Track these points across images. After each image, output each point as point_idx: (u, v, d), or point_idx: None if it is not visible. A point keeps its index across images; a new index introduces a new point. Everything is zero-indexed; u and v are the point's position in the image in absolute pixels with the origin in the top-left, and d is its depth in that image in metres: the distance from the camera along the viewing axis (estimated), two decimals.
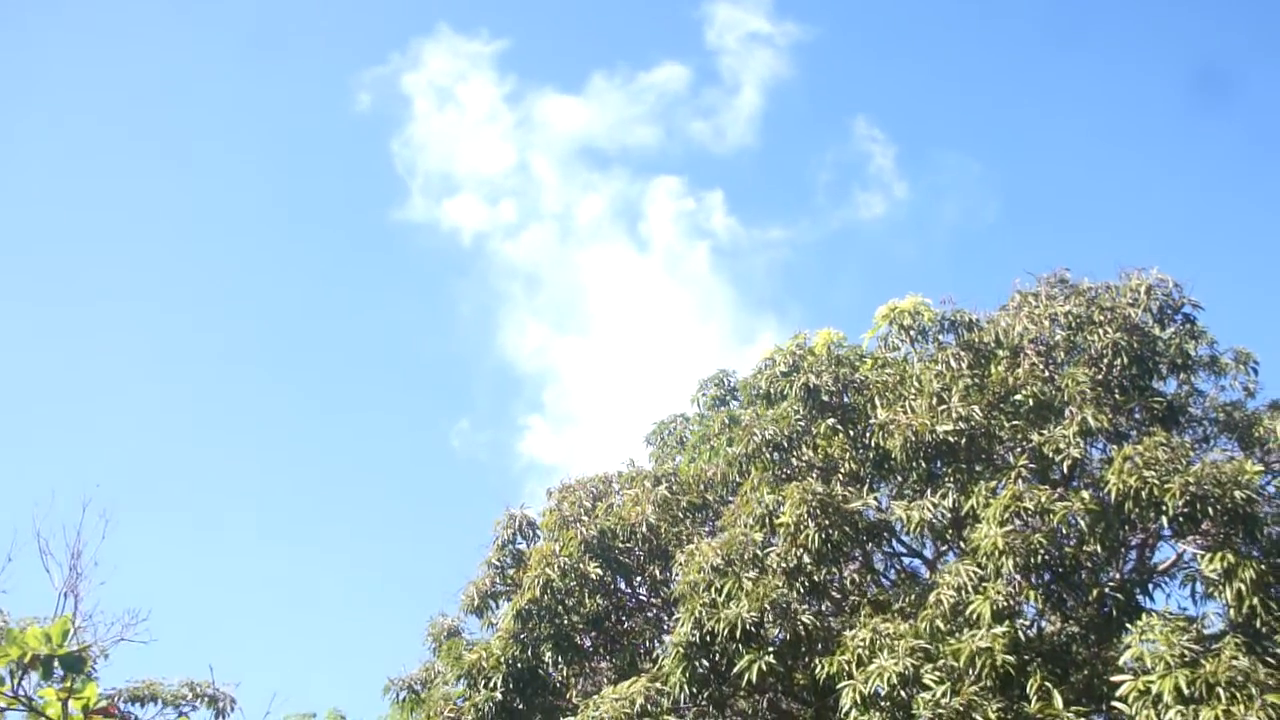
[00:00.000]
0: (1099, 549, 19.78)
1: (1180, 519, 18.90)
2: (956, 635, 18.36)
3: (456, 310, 70.70)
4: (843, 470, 22.26)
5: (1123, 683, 17.14)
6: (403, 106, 69.03)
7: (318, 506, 67.16)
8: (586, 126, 66.00)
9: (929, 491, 20.97)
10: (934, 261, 68.49)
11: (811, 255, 70.05)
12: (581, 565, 22.59)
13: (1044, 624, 20.57)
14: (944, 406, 21.13)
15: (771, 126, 67.23)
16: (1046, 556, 19.00)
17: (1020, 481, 20.01)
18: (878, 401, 22.17)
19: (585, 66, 79.53)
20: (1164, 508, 18.69)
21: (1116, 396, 21.59)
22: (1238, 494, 18.52)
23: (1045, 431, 20.72)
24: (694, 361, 65.20)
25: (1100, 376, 21.57)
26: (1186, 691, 16.32)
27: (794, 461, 22.63)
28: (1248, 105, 63.81)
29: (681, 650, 19.89)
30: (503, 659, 22.50)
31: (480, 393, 70.09)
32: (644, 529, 22.94)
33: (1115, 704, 17.19)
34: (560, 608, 22.67)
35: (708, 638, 19.67)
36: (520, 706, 22.64)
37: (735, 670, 19.55)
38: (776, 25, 64.19)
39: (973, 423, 20.86)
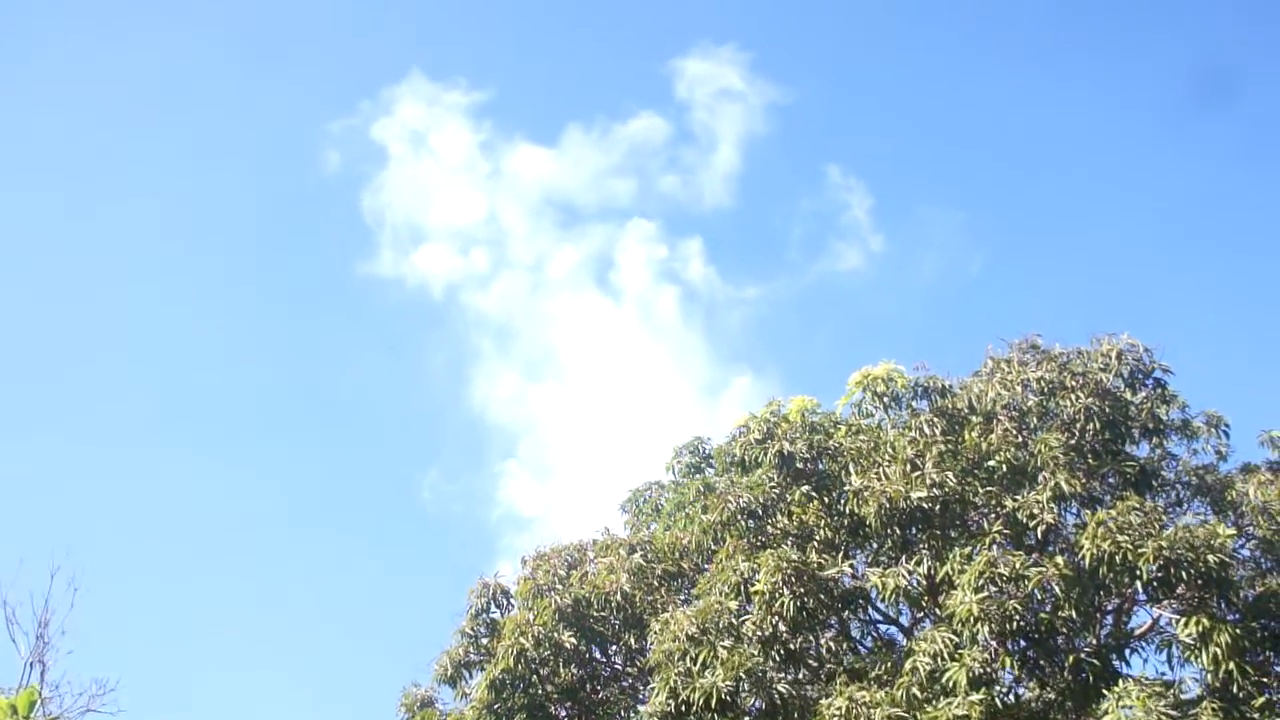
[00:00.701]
0: (1074, 614, 19.70)
1: (1155, 583, 18.99)
2: (933, 703, 18.29)
3: (427, 363, 69.82)
4: (818, 537, 22.19)
5: None
6: (374, 155, 68.76)
7: (286, 567, 65.65)
8: (560, 177, 66.07)
9: (904, 558, 20.97)
10: (912, 316, 68.18)
11: (787, 309, 69.31)
12: (556, 634, 22.43)
13: (1021, 690, 20.50)
14: (918, 473, 21.15)
15: (747, 177, 66.91)
16: (1022, 623, 19.01)
17: (995, 547, 20.03)
18: (852, 468, 22.16)
19: (560, 117, 77.61)
20: (1138, 572, 18.76)
21: (1089, 461, 21.67)
22: (1211, 558, 18.57)
23: (1019, 497, 20.76)
24: (667, 411, 64.69)
25: (1073, 441, 21.66)
26: None
27: (769, 529, 22.57)
28: (1248, 105, 63.97)
29: None
30: None
31: (452, 444, 68.76)
32: (619, 597, 22.79)
33: None
34: (535, 677, 22.51)
35: (683, 707, 19.50)
36: None
37: None
38: (750, 79, 64.42)
39: (947, 489, 20.87)
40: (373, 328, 71.07)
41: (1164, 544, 18.65)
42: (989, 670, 18.74)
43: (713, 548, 22.78)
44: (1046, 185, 68.25)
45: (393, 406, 70.75)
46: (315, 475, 69.17)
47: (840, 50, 71.42)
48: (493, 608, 24.61)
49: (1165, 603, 20.01)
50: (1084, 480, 20.88)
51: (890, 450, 22.09)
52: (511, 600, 24.53)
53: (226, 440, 68.26)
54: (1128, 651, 21.18)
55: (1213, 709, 17.11)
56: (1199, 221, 66.40)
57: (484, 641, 24.19)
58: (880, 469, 21.74)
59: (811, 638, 21.31)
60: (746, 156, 65.60)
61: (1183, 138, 66.32)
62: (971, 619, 18.77)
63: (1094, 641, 20.88)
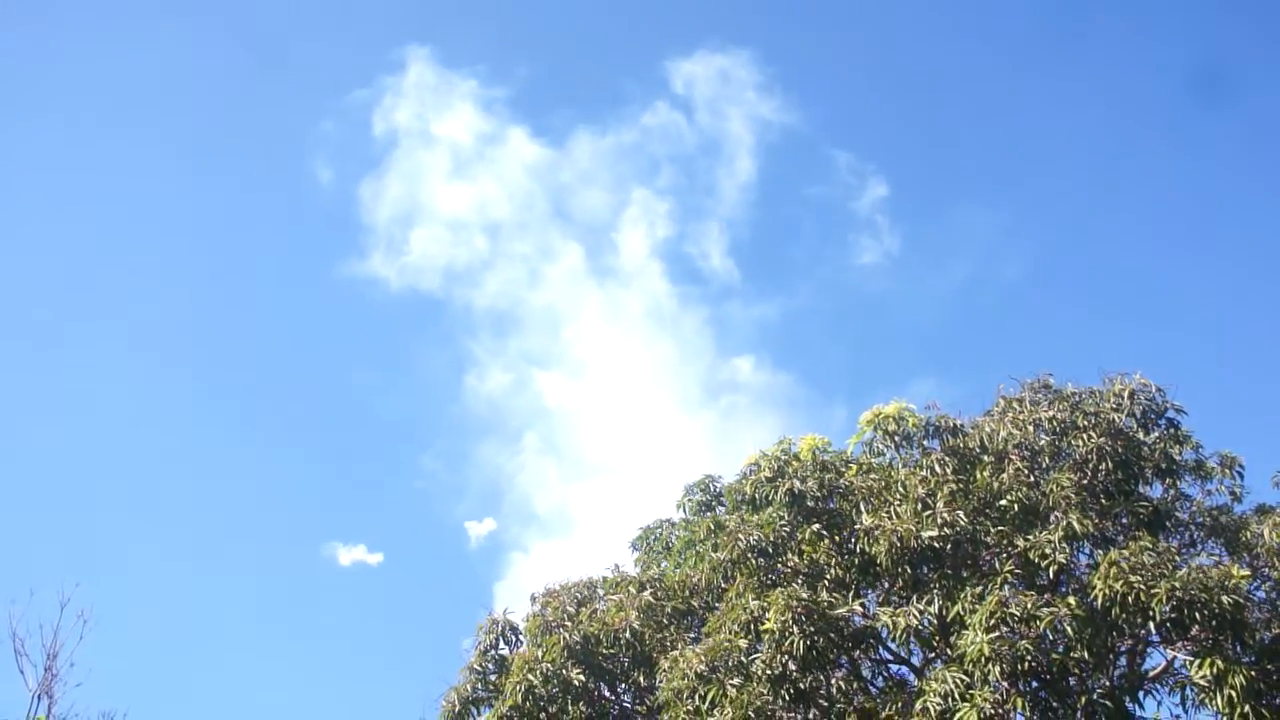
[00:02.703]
0: (1087, 655, 19.62)
1: (1168, 624, 18.85)
2: None
3: (423, 359, 69.91)
4: (828, 576, 22.08)
5: None
6: (371, 145, 67.81)
7: (292, 587, 65.04)
8: (561, 168, 65.95)
9: (915, 597, 20.82)
10: (931, 322, 68.01)
11: (797, 299, 68.91)
12: (564, 671, 22.32)
13: None
14: (929, 512, 21.07)
15: (758, 171, 66.69)
16: (1033, 663, 18.86)
17: (1006, 587, 19.89)
18: (863, 507, 22.10)
19: (564, 109, 76.41)
20: (1151, 613, 18.63)
21: (1102, 501, 21.58)
22: (1225, 599, 18.45)
23: (1031, 537, 20.65)
24: (671, 399, 64.33)
25: (1085, 481, 21.60)
26: None
27: (779, 567, 22.47)
28: (1248, 107, 63.83)
29: None
30: None
31: (450, 436, 68.62)
32: (628, 635, 22.71)
33: None
34: (543, 715, 22.38)
35: None
36: None
37: None
38: (762, 79, 64.39)
39: (958, 528, 20.78)
40: (365, 325, 70.55)
41: (1177, 585, 18.55)
42: (1000, 711, 18.57)
43: (723, 586, 22.68)
44: (1047, 183, 68.38)
45: (387, 402, 70.40)
46: (318, 483, 68.62)
47: (849, 58, 71.77)
48: (501, 644, 24.54)
49: (1179, 644, 19.85)
50: (1096, 520, 20.78)
51: (901, 489, 22.01)
52: (520, 637, 24.46)
53: (219, 450, 67.40)
54: (1141, 693, 20.96)
55: None
56: (1197, 223, 66.67)
57: (492, 678, 24.09)
58: (891, 508, 21.66)
59: (822, 677, 21.15)
60: (758, 151, 65.35)
61: (1182, 138, 66.29)
62: (983, 659, 18.63)
63: (1107, 683, 20.68)
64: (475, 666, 24.24)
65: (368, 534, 63.20)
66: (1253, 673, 18.39)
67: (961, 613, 19.93)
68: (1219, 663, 18.34)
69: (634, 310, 65.08)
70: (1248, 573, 20.37)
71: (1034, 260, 68.45)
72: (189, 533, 63.41)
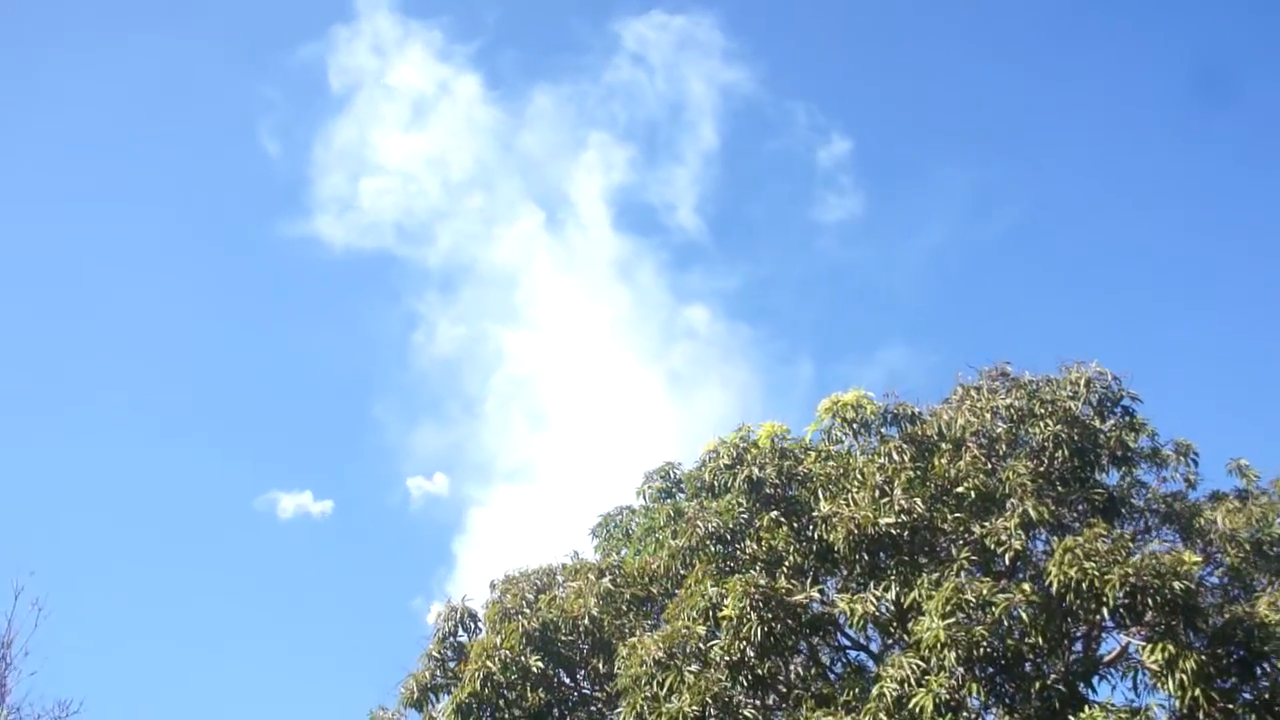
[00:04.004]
0: (1041, 641, 19.74)
1: (1122, 610, 19.02)
2: None
3: (375, 312, 69.11)
4: (787, 563, 22.11)
5: None
6: (326, 94, 67.37)
7: (246, 570, 64.44)
8: (517, 121, 65.33)
9: (872, 584, 20.93)
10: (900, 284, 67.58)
11: (754, 249, 68.44)
12: (523, 658, 22.31)
13: (988, 717, 20.42)
14: (887, 499, 21.17)
15: (719, 127, 66.23)
16: (989, 649, 19.01)
17: (962, 574, 20.02)
18: (821, 494, 22.17)
19: (523, 60, 74.79)
20: (1105, 599, 18.79)
21: (1058, 488, 21.73)
22: (1178, 585, 18.62)
23: (987, 524, 20.79)
24: (625, 349, 63.78)
25: (1042, 469, 21.75)
26: None
27: (738, 554, 22.50)
28: (1247, 107, 64.32)
29: None
30: None
31: (400, 390, 67.76)
32: (587, 621, 22.70)
33: None
34: (501, 701, 22.34)
35: None
36: None
37: None
38: (726, 41, 63.99)
39: (915, 515, 20.89)
40: (311, 284, 70.24)
41: (1130, 571, 18.70)
42: (956, 697, 18.67)
43: (682, 573, 22.70)
44: (1044, 182, 68.43)
45: (338, 363, 69.76)
46: (257, 434, 68.58)
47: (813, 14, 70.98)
48: (460, 631, 24.46)
49: (1133, 629, 20.04)
50: (1052, 507, 20.91)
51: (859, 476, 22.09)
52: (479, 624, 24.40)
53: (151, 416, 67.17)
54: (1095, 678, 21.12)
55: None
56: (1193, 222, 66.89)
57: (451, 665, 24.03)
58: (849, 495, 21.74)
59: (780, 663, 21.22)
60: (717, 104, 65.13)
61: (1185, 136, 66.41)
62: (939, 645, 18.75)
63: (1061, 668, 20.84)
64: (434, 654, 24.15)
65: (314, 481, 62.24)
66: (1204, 657, 18.58)
67: (918, 599, 20.02)
68: (1171, 647, 18.51)
69: (590, 260, 64.42)
70: (1200, 559, 20.54)
71: (1010, 225, 68.53)
72: (124, 499, 63.13)
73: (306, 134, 68.20)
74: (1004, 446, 22.56)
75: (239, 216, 70.82)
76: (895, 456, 22.13)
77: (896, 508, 20.91)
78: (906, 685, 18.76)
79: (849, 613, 20.45)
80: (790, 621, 20.43)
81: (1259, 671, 19.60)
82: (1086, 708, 18.73)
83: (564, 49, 73.46)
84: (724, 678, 19.82)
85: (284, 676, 57.85)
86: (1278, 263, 62.64)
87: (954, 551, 20.95)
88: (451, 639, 24.41)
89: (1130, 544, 19.97)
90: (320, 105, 68.15)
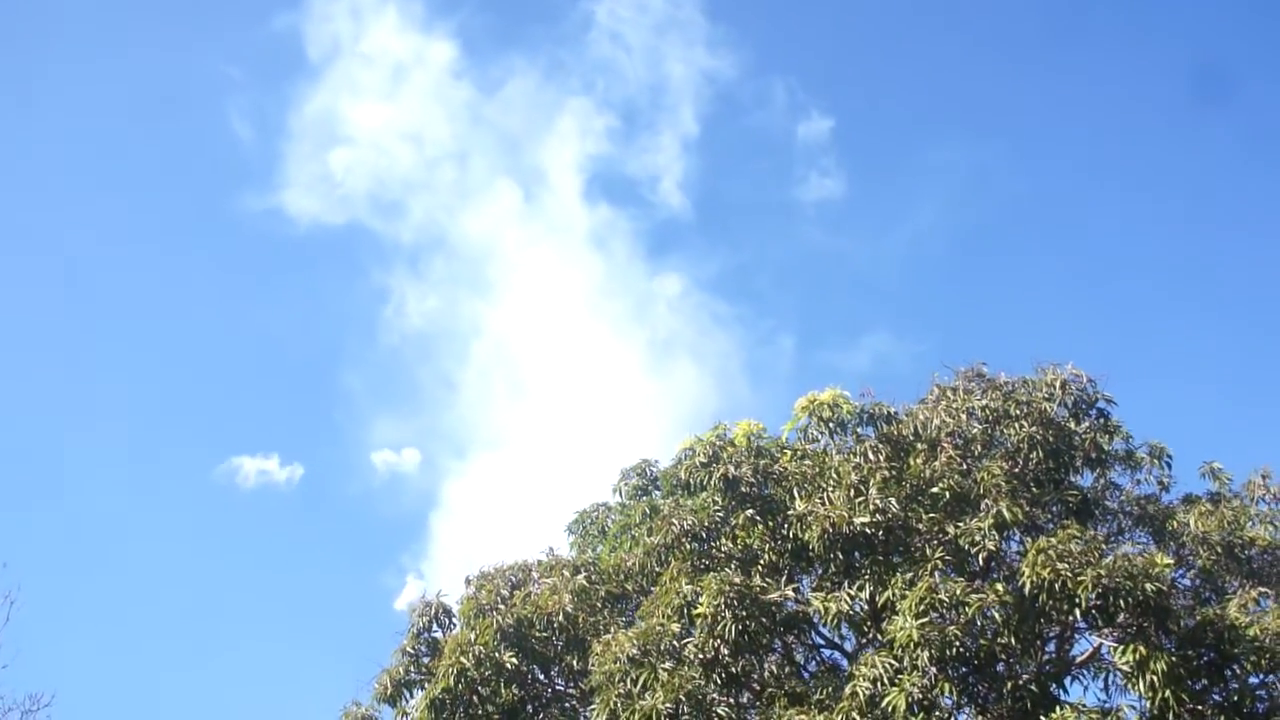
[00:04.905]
0: (1014, 641, 19.80)
1: (1094, 611, 19.09)
2: None
3: (348, 282, 68.75)
4: (762, 561, 22.16)
5: None
6: (298, 60, 66.75)
7: (218, 558, 63.62)
8: (491, 92, 64.72)
9: (847, 583, 20.98)
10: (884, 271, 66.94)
11: (729, 224, 67.78)
12: (497, 654, 22.28)
13: (960, 717, 20.48)
14: (862, 498, 21.22)
15: (700, 102, 65.95)
16: (962, 649, 19.07)
17: (936, 574, 20.04)
18: (796, 493, 22.21)
19: (500, 28, 74.24)
20: (1077, 600, 18.84)
21: (1032, 490, 21.82)
22: (1149, 586, 18.70)
23: (961, 524, 20.85)
24: (600, 319, 63.23)
25: (1016, 470, 21.84)
26: None
27: (713, 552, 22.54)
28: (1247, 107, 64.33)
29: None
30: None
31: (372, 361, 67.00)
32: (561, 618, 22.69)
33: None
34: (475, 697, 22.31)
35: None
36: None
37: None
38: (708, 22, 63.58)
39: (890, 515, 20.95)
40: (280, 256, 69.52)
41: (1103, 572, 18.77)
42: (928, 696, 18.73)
43: (657, 570, 22.71)
44: (1037, 173, 68.43)
45: (309, 334, 69.26)
46: (221, 402, 67.50)
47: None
48: (434, 627, 24.46)
49: (1105, 631, 20.17)
50: (1026, 508, 20.98)
51: (835, 475, 22.15)
52: (453, 619, 24.39)
53: (112, 391, 66.28)
54: (1067, 679, 21.22)
55: None
56: (1187, 220, 66.84)
57: (425, 660, 24.01)
58: (825, 494, 21.80)
59: (754, 661, 21.28)
60: (698, 79, 64.81)
61: (1183, 134, 66.44)
62: (912, 644, 18.81)
63: (1034, 668, 20.92)
64: (408, 649, 24.13)
65: (280, 445, 61.95)
66: (1174, 658, 18.69)
67: (892, 598, 20.08)
68: (1142, 649, 18.62)
69: (566, 231, 64.04)
70: (1172, 561, 20.65)
71: (1000, 214, 68.63)
72: (79, 474, 62.52)
73: (279, 104, 67.44)
74: (979, 447, 22.65)
75: (206, 187, 70.12)
76: (871, 456, 22.18)
77: (871, 507, 20.96)
78: (879, 684, 18.82)
79: (823, 611, 20.53)
80: (765, 620, 20.48)
81: (1229, 674, 19.70)
82: (1058, 708, 18.81)
83: (542, 19, 73.59)
84: (698, 675, 19.83)
85: (248, 657, 57.07)
86: (1270, 263, 62.31)
87: (928, 551, 20.98)
88: (426, 634, 24.41)
89: (1103, 546, 20.07)
90: (296, 74, 67.14)
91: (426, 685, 23.00)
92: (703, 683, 19.82)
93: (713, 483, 22.70)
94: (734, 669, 20.42)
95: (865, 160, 69.52)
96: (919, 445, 22.54)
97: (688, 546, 22.41)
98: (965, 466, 21.95)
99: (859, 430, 23.34)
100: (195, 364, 68.26)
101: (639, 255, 65.17)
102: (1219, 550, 22.46)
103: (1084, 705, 19.14)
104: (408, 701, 23.73)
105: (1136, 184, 66.11)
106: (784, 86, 66.74)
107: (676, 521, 22.47)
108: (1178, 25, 66.79)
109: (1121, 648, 19.04)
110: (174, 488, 64.30)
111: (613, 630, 21.70)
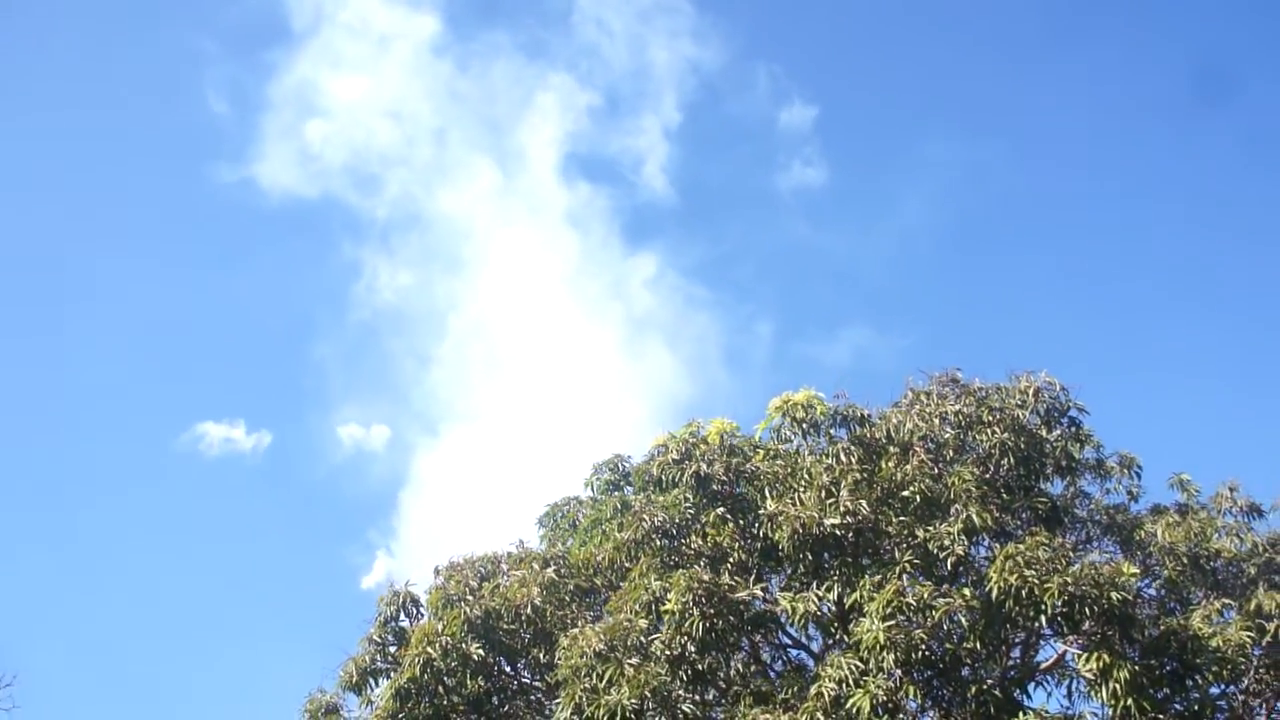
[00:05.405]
0: (979, 646, 19.93)
1: (1059, 618, 19.19)
2: None
3: (316, 260, 68.29)
4: (731, 560, 22.21)
5: None
6: (278, 28, 66.66)
7: (181, 539, 63.06)
8: (470, 67, 64.35)
9: (815, 584, 21.03)
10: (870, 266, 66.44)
11: (707, 206, 66.93)
12: (464, 645, 22.22)
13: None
14: (833, 500, 21.25)
15: (682, 87, 65.69)
16: (928, 652, 19.16)
17: (904, 577, 20.10)
18: (768, 492, 22.24)
19: (484, 3, 73.27)
20: (1043, 607, 18.94)
21: (1002, 496, 21.92)
22: (1115, 595, 18.82)
23: (931, 528, 20.92)
24: (575, 297, 62.70)
25: (987, 476, 21.94)
26: None
27: (683, 549, 22.57)
28: (1247, 106, 64.27)
29: None
30: None
31: (344, 335, 66.30)
32: (529, 611, 22.65)
33: None
34: (440, 688, 22.26)
35: None
36: None
37: None
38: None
39: (860, 517, 20.99)
40: (253, 228, 68.80)
41: (1069, 580, 18.87)
42: (893, 698, 18.79)
43: (626, 565, 22.73)
44: (1031, 170, 68.29)
45: (280, 305, 68.57)
46: (185, 367, 66.62)
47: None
48: (401, 616, 24.37)
49: (1070, 638, 20.29)
50: (996, 514, 21.10)
51: (806, 476, 22.19)
52: (421, 609, 24.32)
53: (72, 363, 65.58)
54: (1032, 685, 21.40)
55: None
56: (1185, 220, 66.56)
57: (391, 649, 23.93)
58: (796, 494, 21.83)
59: (721, 659, 21.32)
60: (683, 64, 64.59)
61: (1183, 133, 66.29)
62: (878, 647, 18.87)
63: (999, 673, 21.07)
64: (375, 637, 24.01)
65: (248, 412, 61.49)
66: (1137, 667, 18.84)
67: (860, 600, 20.15)
68: (1105, 657, 18.74)
69: (544, 209, 63.66)
70: (1138, 570, 20.88)
71: (991, 211, 68.51)
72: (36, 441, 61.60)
73: (260, 74, 67.15)
74: (951, 452, 22.75)
75: (179, 157, 69.69)
76: (843, 458, 22.22)
77: (842, 509, 21.01)
78: (845, 685, 18.87)
79: (791, 611, 20.57)
80: (732, 618, 20.52)
81: (1190, 684, 19.91)
82: (1022, 714, 18.94)
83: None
84: (664, 672, 19.84)
85: (210, 631, 56.45)
86: (1270, 265, 62.32)
87: (897, 554, 21.06)
88: (393, 623, 24.30)
89: (1071, 553, 20.19)
90: (278, 43, 66.54)
91: (392, 674, 22.93)
92: (669, 679, 19.84)
93: (684, 480, 22.74)
94: (700, 666, 20.47)
95: (850, 151, 69.05)
96: (891, 448, 22.61)
97: (658, 543, 22.44)
98: (936, 471, 22.02)
99: (832, 432, 23.36)
100: (162, 331, 67.66)
101: (616, 235, 64.84)
102: (1185, 561, 22.63)
103: (1047, 711, 19.27)
104: (373, 690, 23.63)
105: (1136, 184, 66.11)
106: (767, 72, 66.50)
107: (647, 517, 22.51)
108: (1178, 25, 66.60)
109: (1085, 655, 19.16)
110: (136, 454, 63.49)
111: (580, 624, 21.69)
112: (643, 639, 20.38)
